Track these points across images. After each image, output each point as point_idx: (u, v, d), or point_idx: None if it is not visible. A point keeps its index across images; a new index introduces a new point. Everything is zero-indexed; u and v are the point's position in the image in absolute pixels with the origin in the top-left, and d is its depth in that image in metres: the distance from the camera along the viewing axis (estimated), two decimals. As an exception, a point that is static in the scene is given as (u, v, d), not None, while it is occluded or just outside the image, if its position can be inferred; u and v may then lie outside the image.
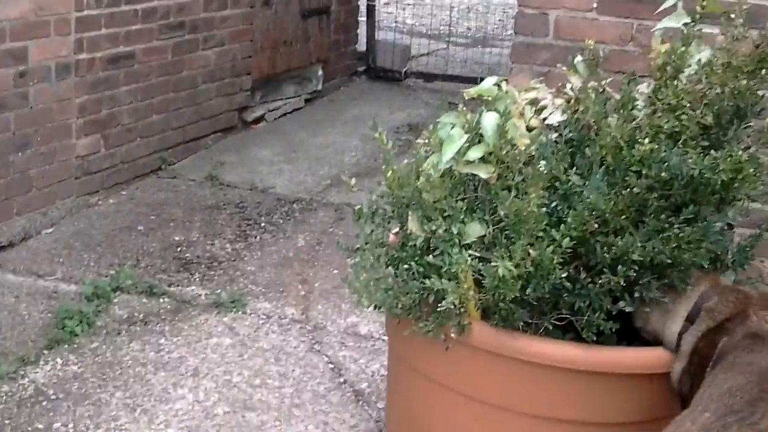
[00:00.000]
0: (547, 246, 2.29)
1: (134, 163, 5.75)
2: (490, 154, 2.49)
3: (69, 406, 3.37)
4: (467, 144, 2.49)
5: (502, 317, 2.41)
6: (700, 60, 2.57)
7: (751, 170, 2.40)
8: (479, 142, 2.52)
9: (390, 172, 2.59)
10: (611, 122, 2.55)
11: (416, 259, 2.52)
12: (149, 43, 5.79)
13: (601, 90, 2.69)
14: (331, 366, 3.75)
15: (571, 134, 2.63)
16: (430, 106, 7.78)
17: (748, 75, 2.50)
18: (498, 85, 2.70)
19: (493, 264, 2.31)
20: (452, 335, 2.44)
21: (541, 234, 2.32)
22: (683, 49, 2.56)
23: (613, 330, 2.41)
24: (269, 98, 7.35)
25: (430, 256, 2.45)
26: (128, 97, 5.66)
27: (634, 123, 2.51)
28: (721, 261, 2.63)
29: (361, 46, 8.89)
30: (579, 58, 2.73)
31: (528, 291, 2.33)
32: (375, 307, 2.60)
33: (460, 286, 2.36)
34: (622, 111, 2.55)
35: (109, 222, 5.08)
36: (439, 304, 2.37)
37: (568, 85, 2.75)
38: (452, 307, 2.36)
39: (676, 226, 2.35)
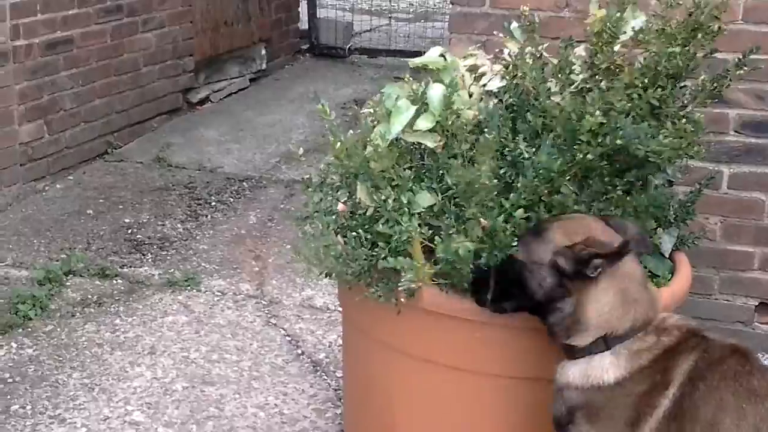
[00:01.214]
0: (498, 215, 2.32)
1: (80, 148, 5.71)
2: (437, 123, 2.53)
3: (26, 389, 3.37)
4: (415, 113, 2.52)
5: (450, 281, 2.44)
6: (634, 27, 2.62)
7: (695, 137, 2.47)
8: (425, 111, 2.55)
9: (338, 144, 2.62)
10: (551, 86, 2.60)
11: (365, 227, 2.55)
12: (87, 28, 5.74)
13: (538, 55, 2.74)
14: (288, 338, 3.79)
15: (511, 99, 2.67)
16: (376, 82, 7.80)
17: (682, 42, 2.56)
18: (443, 55, 2.73)
19: (454, 245, 2.31)
20: (402, 300, 2.47)
21: (491, 204, 2.35)
22: (618, 15, 2.61)
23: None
24: (213, 79, 7.33)
25: (379, 224, 2.47)
26: (69, 82, 5.62)
27: (573, 87, 2.55)
28: (664, 217, 2.70)
29: (304, 24, 8.88)
30: (515, 24, 2.77)
31: (481, 261, 2.36)
32: (326, 275, 2.61)
33: (417, 263, 2.38)
34: (560, 75, 2.60)
35: (58, 207, 5.05)
36: (400, 283, 2.40)
37: (506, 51, 2.79)
38: (412, 285, 2.38)
39: (619, 188, 2.41)
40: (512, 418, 2.56)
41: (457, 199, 2.43)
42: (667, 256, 2.71)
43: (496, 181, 2.36)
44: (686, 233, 2.82)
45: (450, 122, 2.49)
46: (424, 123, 2.52)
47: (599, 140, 2.36)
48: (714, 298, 3.71)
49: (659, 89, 2.48)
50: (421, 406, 2.63)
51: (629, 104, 2.44)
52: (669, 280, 2.60)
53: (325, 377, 3.52)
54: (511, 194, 2.36)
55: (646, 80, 2.49)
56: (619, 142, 2.34)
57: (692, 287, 2.73)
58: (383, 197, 2.45)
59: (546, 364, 2.49)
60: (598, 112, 2.37)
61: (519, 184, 2.37)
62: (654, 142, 2.38)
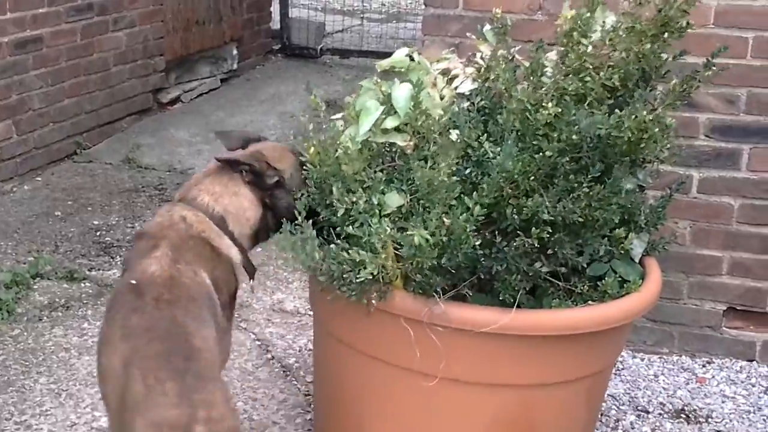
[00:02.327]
0: (461, 214, 2.32)
1: (48, 149, 5.65)
2: (406, 124, 2.52)
3: (-8, 395, 3.33)
4: (384, 115, 2.52)
5: (420, 285, 2.43)
6: (604, 23, 2.63)
7: (657, 130, 2.47)
8: (395, 112, 2.55)
9: (311, 149, 2.60)
10: (520, 89, 2.60)
11: (337, 228, 2.52)
12: (57, 26, 5.69)
13: (510, 58, 2.74)
14: (258, 343, 3.77)
15: (482, 102, 2.66)
16: (347, 83, 7.79)
17: (652, 39, 2.57)
18: (410, 56, 2.73)
19: (409, 233, 2.33)
20: (373, 301, 2.45)
21: (453, 202, 2.35)
22: (588, 14, 2.61)
23: (527, 289, 2.46)
24: (184, 79, 7.28)
25: (350, 227, 2.46)
26: (38, 81, 5.56)
27: (543, 90, 2.56)
28: (635, 222, 2.70)
29: (275, 24, 8.85)
30: (488, 27, 2.77)
31: (443, 260, 2.36)
32: (307, 268, 2.53)
33: (379, 256, 2.38)
34: (531, 78, 2.60)
35: (26, 208, 4.99)
36: (358, 275, 2.39)
37: (478, 55, 2.79)
38: (370, 277, 2.37)
39: (584, 185, 2.40)
40: (482, 424, 2.56)
41: (422, 201, 2.42)
42: (637, 261, 2.71)
43: (456, 179, 2.36)
44: (656, 238, 2.83)
45: (419, 122, 2.48)
46: (391, 122, 2.51)
47: (555, 135, 2.36)
48: (683, 303, 3.72)
49: (614, 71, 2.48)
50: (392, 412, 2.61)
51: (582, 88, 2.45)
52: (639, 285, 2.60)
53: (296, 382, 3.49)
54: (474, 193, 2.36)
55: (599, 62, 2.50)
56: (574, 137, 2.34)
57: (662, 292, 2.73)
58: (354, 198, 2.44)
59: (516, 370, 2.50)
60: (551, 104, 2.37)
61: (483, 185, 2.36)
62: (613, 118, 2.39)
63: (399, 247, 2.39)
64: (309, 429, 3.19)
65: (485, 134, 2.52)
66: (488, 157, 2.44)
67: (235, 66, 7.97)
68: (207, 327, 2.30)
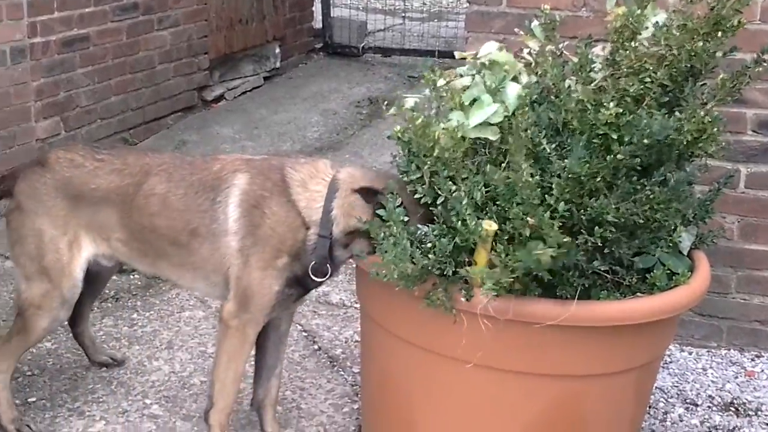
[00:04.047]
0: (543, 212, 2.31)
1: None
2: (505, 119, 2.51)
3: (45, 382, 3.39)
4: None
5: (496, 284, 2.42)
6: (657, 22, 2.63)
7: (714, 129, 2.48)
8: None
9: (402, 106, 2.55)
10: (571, 84, 2.61)
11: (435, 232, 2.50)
12: (103, 25, 5.77)
13: (558, 53, 2.75)
14: (304, 334, 3.81)
15: (533, 97, 2.68)
16: (389, 80, 7.83)
17: (704, 36, 2.57)
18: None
19: (537, 252, 2.30)
20: (461, 309, 2.43)
21: (534, 201, 2.33)
22: (639, 12, 2.62)
23: (586, 286, 2.47)
24: (228, 77, 7.35)
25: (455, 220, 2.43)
26: (85, 79, 5.65)
27: (593, 85, 2.56)
28: (683, 215, 2.71)
29: (318, 23, 8.89)
30: (536, 22, 2.78)
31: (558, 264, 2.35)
32: (401, 279, 2.46)
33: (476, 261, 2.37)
34: (580, 73, 2.61)
35: (74, 203, 5.06)
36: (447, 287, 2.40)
37: (525, 51, 2.80)
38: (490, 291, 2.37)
39: (647, 187, 2.41)
40: (531, 414, 2.57)
41: (497, 201, 2.42)
42: (685, 254, 2.71)
43: (537, 179, 2.36)
44: (704, 232, 2.83)
45: (519, 119, 2.47)
46: (496, 117, 2.51)
47: (623, 137, 2.36)
48: (731, 297, 3.71)
49: (668, 69, 2.48)
50: (441, 401, 2.64)
51: (641, 89, 2.45)
52: (688, 278, 2.60)
53: (342, 373, 3.53)
54: (554, 190, 2.36)
55: (655, 60, 2.50)
56: (646, 140, 2.34)
57: (710, 286, 2.73)
58: (452, 188, 2.44)
59: (567, 361, 2.51)
60: (612, 104, 2.38)
61: (554, 184, 2.36)
62: (673, 120, 2.39)
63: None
64: (356, 418, 3.23)
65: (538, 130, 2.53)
66: (545, 154, 2.44)
67: (278, 64, 8.03)
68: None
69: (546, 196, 2.34)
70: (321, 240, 2.68)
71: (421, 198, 2.53)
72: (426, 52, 8.18)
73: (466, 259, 2.42)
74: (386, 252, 2.44)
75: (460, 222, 2.37)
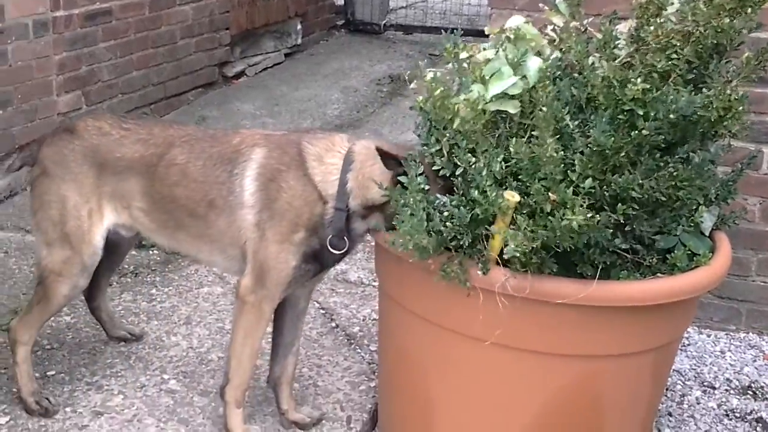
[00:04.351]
0: (566, 187, 2.30)
1: (117, 120, 5.74)
2: (527, 92, 2.49)
3: (64, 355, 3.41)
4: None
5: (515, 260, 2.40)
6: (681, -2, 2.59)
7: (740, 108, 2.44)
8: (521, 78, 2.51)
9: (428, 80, 2.52)
10: (595, 61, 2.58)
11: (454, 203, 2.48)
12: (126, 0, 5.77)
13: (583, 29, 2.72)
14: (322, 312, 3.81)
15: (557, 73, 2.66)
16: (411, 58, 7.80)
17: (730, 12, 2.54)
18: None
19: (568, 217, 2.28)
20: (476, 284, 2.40)
21: (558, 176, 2.33)
22: (665, -13, 2.58)
23: (607, 263, 2.45)
24: (249, 53, 7.34)
25: (474, 191, 2.40)
26: (107, 53, 5.65)
27: (618, 61, 2.53)
28: (705, 195, 2.68)
29: (339, 0, 8.86)
30: (560, -1, 2.75)
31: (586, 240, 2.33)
32: (417, 251, 2.44)
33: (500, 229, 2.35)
34: (604, 50, 2.58)
35: (95, 178, 5.08)
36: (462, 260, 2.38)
37: (549, 27, 2.78)
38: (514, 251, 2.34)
39: (671, 164, 2.38)
40: (547, 393, 2.56)
41: (519, 175, 2.40)
42: (707, 234, 2.68)
43: (561, 155, 2.33)
44: (726, 213, 2.80)
45: (540, 92, 2.44)
46: (515, 90, 2.49)
47: (648, 112, 2.33)
48: (751, 280, 3.68)
49: (694, 45, 2.45)
50: (457, 379, 2.63)
51: (668, 65, 2.42)
52: (709, 259, 2.58)
53: (359, 350, 3.53)
54: (576, 166, 2.33)
55: (681, 36, 2.47)
56: (672, 116, 2.31)
57: (730, 268, 2.71)
58: (472, 160, 2.42)
59: (585, 341, 2.49)
60: (639, 79, 2.35)
61: (576, 160, 2.34)
62: (701, 97, 2.36)
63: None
64: (373, 396, 3.23)
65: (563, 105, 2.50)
66: (568, 130, 2.42)
67: (299, 41, 8.01)
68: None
69: (569, 172, 2.32)
70: (337, 213, 2.68)
71: (440, 170, 2.51)
72: (448, 30, 8.14)
73: (484, 233, 2.40)
74: (402, 222, 2.43)
75: (479, 193, 2.36)
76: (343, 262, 4.17)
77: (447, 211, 2.42)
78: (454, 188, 2.48)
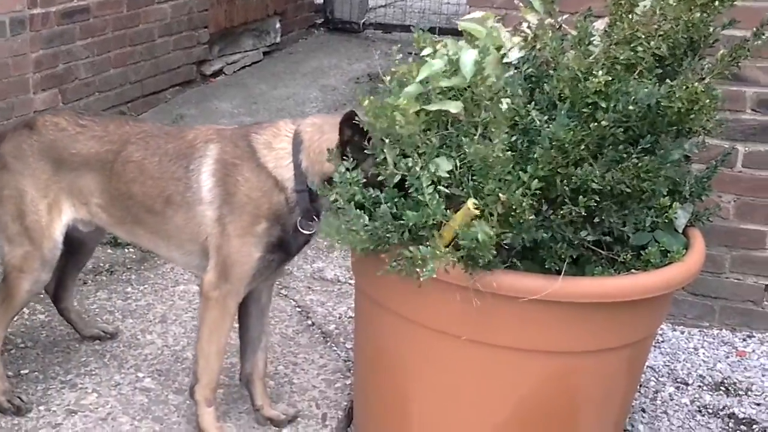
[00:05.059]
0: (516, 189, 2.30)
1: (93, 118, 5.70)
2: (466, 89, 2.49)
3: (38, 354, 3.39)
4: (444, 73, 2.50)
5: (470, 257, 2.41)
6: (653, -7, 2.60)
7: (707, 101, 2.45)
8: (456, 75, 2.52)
9: (366, 101, 2.56)
10: (568, 57, 2.59)
11: (394, 198, 2.50)
12: (104, -3, 5.74)
13: (557, 27, 2.73)
14: (298, 310, 3.81)
15: (529, 70, 2.66)
16: (389, 57, 7.78)
17: (701, 7, 2.55)
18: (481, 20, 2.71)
19: (472, 230, 2.30)
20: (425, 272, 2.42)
21: (509, 177, 2.33)
22: (638, -18, 2.59)
23: (573, 258, 2.46)
24: (227, 51, 7.32)
25: (407, 212, 2.41)
26: (85, 51, 5.62)
27: (591, 58, 2.54)
28: (679, 192, 2.69)
29: (318, -2, 8.86)
30: (534, -4, 2.75)
31: (505, 241, 2.35)
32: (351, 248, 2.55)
33: (436, 247, 2.36)
34: (579, 47, 2.58)
35: (71, 176, 5.05)
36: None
37: (524, 24, 2.78)
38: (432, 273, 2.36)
39: (634, 156, 2.39)
40: (523, 389, 2.57)
41: (473, 172, 2.41)
42: (680, 231, 2.69)
43: (510, 153, 2.34)
44: (700, 210, 2.81)
45: (479, 88, 2.45)
46: (447, 82, 2.49)
47: (612, 105, 2.34)
48: (725, 277, 3.70)
49: (665, 39, 2.46)
50: (434, 377, 2.63)
51: (633, 57, 2.43)
52: (683, 255, 2.58)
53: (335, 348, 3.53)
54: (528, 166, 2.34)
55: (647, 30, 2.48)
56: (631, 107, 2.32)
57: (704, 265, 2.72)
58: (410, 164, 2.43)
59: (559, 337, 2.50)
60: (601, 72, 2.36)
61: (535, 155, 2.35)
62: (664, 88, 2.37)
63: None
64: (348, 393, 3.22)
65: (532, 102, 2.51)
66: (535, 126, 2.42)
67: (278, 39, 7.99)
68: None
69: (521, 172, 2.32)
70: (300, 195, 2.70)
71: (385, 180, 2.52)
72: (427, 29, 8.14)
73: (434, 233, 2.41)
74: (329, 220, 2.46)
75: (424, 197, 2.37)
76: (320, 260, 4.20)
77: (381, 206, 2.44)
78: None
